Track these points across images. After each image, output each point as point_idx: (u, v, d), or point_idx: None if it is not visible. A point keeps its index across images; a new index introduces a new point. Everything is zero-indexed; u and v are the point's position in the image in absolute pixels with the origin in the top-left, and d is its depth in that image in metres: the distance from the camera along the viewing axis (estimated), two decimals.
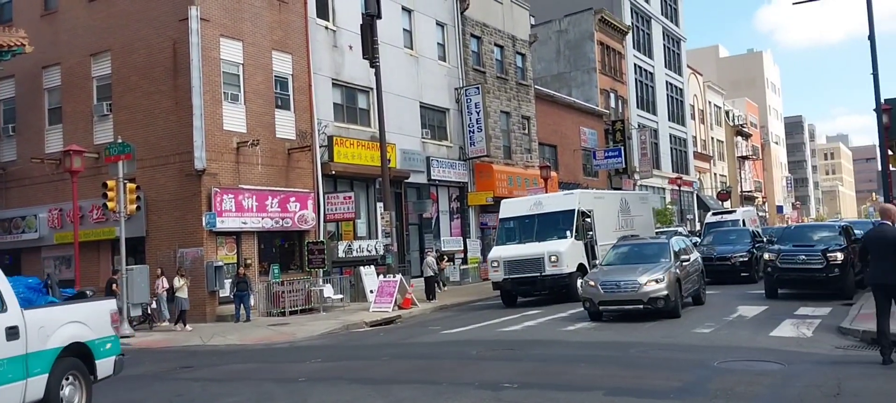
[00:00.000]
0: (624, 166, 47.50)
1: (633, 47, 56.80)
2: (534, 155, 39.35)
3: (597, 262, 18.69)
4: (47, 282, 10.39)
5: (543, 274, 21.04)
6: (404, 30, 31.47)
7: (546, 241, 21.71)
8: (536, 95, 40.82)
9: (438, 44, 33.66)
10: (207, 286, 21.57)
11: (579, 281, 20.66)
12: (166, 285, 21.21)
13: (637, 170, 52.00)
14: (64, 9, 25.51)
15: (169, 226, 22.48)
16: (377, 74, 24.44)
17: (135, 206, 20.10)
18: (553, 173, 37.06)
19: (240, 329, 19.74)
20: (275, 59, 24.97)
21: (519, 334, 15.60)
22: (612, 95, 51.78)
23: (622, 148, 47.28)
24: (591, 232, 23.09)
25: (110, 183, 19.72)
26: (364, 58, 24.81)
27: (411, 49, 31.76)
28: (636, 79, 56.83)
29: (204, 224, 21.76)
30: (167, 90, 22.83)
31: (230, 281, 21.85)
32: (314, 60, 26.39)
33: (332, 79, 27.40)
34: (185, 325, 19.99)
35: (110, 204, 19.65)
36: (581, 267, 21.57)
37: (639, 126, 54.47)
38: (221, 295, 21.97)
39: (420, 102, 31.82)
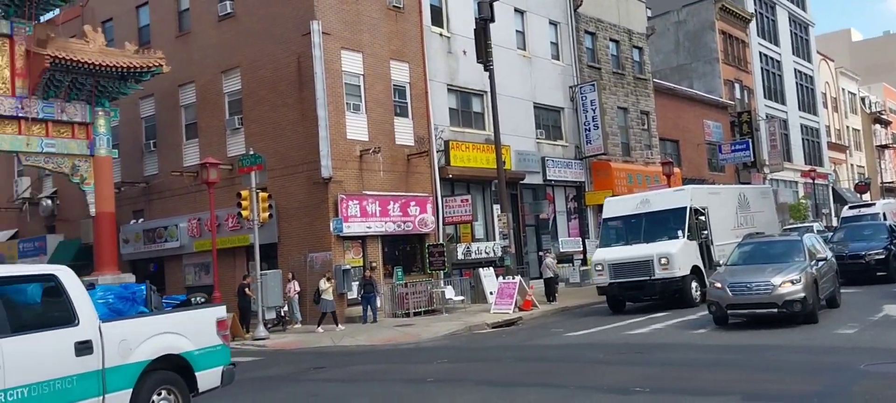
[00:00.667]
0: (752, 159, 45.45)
1: (758, 35, 54.30)
2: (654, 151, 38.37)
3: (721, 263, 17.73)
4: (147, 290, 9.92)
5: (653, 277, 19.72)
6: (517, 31, 31.47)
7: (655, 242, 20.38)
8: (655, 89, 39.78)
9: (552, 43, 33.44)
10: (336, 288, 22.38)
11: (694, 284, 19.92)
12: (298, 288, 22.21)
13: (766, 163, 49.67)
14: (196, 29, 27.15)
15: (299, 232, 23.50)
16: (491, 78, 24.57)
17: (267, 214, 21.11)
18: (676, 169, 36.00)
19: (367, 330, 20.37)
20: (393, 68, 25.62)
21: (645, 337, 15.29)
22: (736, 86, 49.72)
23: (750, 140, 45.25)
24: (705, 232, 21.44)
25: (244, 193, 20.79)
26: (478, 62, 25.01)
27: (524, 50, 31.72)
28: (762, 68, 54.31)
29: (331, 229, 22.64)
30: (293, 102, 23.86)
31: (357, 283, 22.59)
32: (430, 67, 26.87)
33: (448, 84, 27.80)
34: (337, 324, 20.77)
35: (244, 213, 20.73)
36: (695, 269, 20.32)
37: (767, 117, 52.03)
38: (349, 298, 22.74)
39: (534, 103, 31.72)
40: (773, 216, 27.70)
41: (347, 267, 22.79)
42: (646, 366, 11.67)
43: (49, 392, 7.20)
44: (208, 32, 26.68)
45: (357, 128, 24.13)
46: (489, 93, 25.38)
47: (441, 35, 27.87)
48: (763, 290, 14.74)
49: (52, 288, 7.72)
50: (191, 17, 27.42)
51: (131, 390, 7.94)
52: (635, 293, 20.41)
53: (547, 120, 32.69)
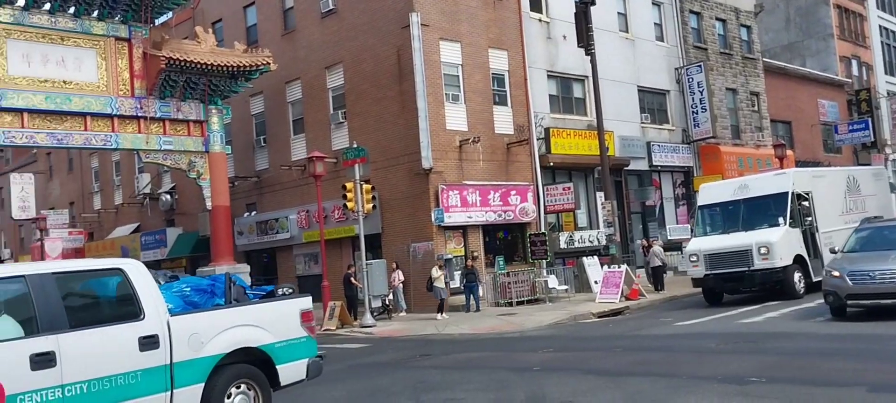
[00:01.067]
0: (872, 140, 42.79)
1: (877, 7, 51.01)
2: (765, 133, 36.75)
3: (836, 250, 16.54)
4: (229, 281, 9.43)
5: (752, 268, 18.35)
6: (619, 13, 30.76)
7: (755, 230, 18.99)
8: (765, 68, 38.06)
9: (655, 24, 32.53)
10: (447, 276, 22.61)
11: (797, 275, 18.64)
12: (402, 278, 22.59)
13: (888, 142, 46.69)
14: (301, 27, 27.93)
15: (401, 223, 23.88)
16: (592, 62, 24.16)
17: (371, 205, 21.53)
18: (788, 151, 34.32)
19: (470, 318, 20.47)
20: (491, 56, 25.57)
21: (759, 326, 14.70)
22: (853, 62, 46.92)
23: (869, 119, 42.59)
24: (809, 218, 19.82)
25: (349, 185, 21.26)
26: (579, 46, 24.65)
27: (627, 32, 30.97)
28: (882, 43, 51.00)
29: (433, 219, 22.87)
30: (394, 95, 24.21)
31: (459, 272, 22.75)
32: (529, 54, 26.65)
33: (547, 70, 27.50)
34: (442, 313, 20.99)
35: (350, 205, 21.20)
36: (798, 259, 18.83)
37: (888, 94, 48.87)
38: (452, 287, 22.92)
39: (638, 86, 30.96)
40: (889, 199, 25.56)
41: (449, 256, 22.97)
42: (762, 356, 11.20)
43: (110, 387, 7.13)
44: (312, 29, 27.40)
45: (456, 118, 24.24)
46: (591, 78, 24.99)
47: (540, 20, 27.58)
48: (889, 279, 13.74)
49: (119, 282, 7.68)
50: (295, 15, 28.24)
51: (203, 384, 7.75)
52: (733, 284, 19.12)
53: (652, 103, 31.85)
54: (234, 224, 27.99)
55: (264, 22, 29.52)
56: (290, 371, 8.57)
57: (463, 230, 23.88)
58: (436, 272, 21.24)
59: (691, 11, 34.03)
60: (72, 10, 22.33)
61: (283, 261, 28.65)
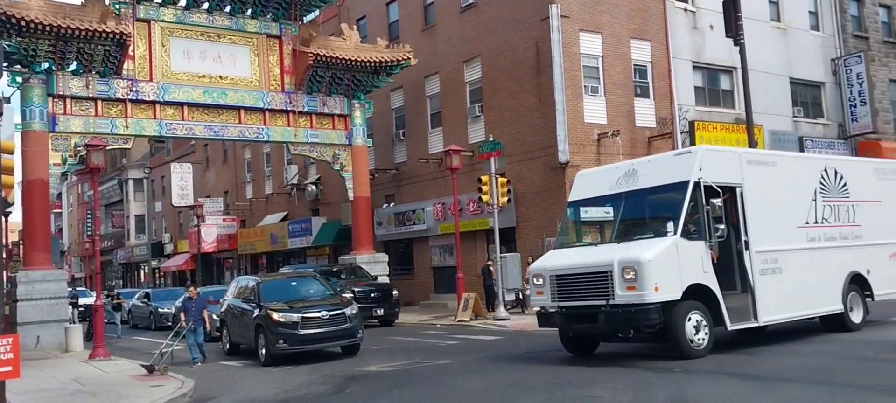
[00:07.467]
0: None
1: None
2: None
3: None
4: None
5: (612, 302, 11.62)
6: (771, 2, 29.15)
7: (628, 242, 12.30)
8: None
9: (810, 12, 30.55)
10: None
11: (694, 317, 11.69)
12: None
13: None
14: (440, 23, 28.34)
15: (536, 217, 23.76)
16: (742, 52, 22.85)
17: (506, 199, 21.58)
18: None
19: None
20: (633, 47, 24.95)
21: None
22: None
23: None
24: (722, 227, 11.98)
25: (484, 178, 21.41)
26: (727, 36, 23.36)
27: (779, 21, 29.27)
28: None
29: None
30: (531, 88, 24.10)
31: None
32: (673, 44, 25.79)
33: (693, 61, 26.52)
34: None
35: (485, 198, 21.36)
36: (694, 291, 11.73)
37: None
38: None
39: (790, 78, 29.21)
40: None
41: None
42: None
43: None
44: (451, 24, 27.74)
45: (595, 111, 23.82)
46: (739, 70, 23.75)
47: (686, 10, 26.61)
48: None
49: None
50: (436, 10, 28.68)
51: None
52: (585, 326, 12.36)
53: (805, 96, 29.98)
54: (373, 214, 28.81)
55: (405, 18, 30.16)
56: None
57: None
58: None
59: None
60: (227, 8, 23.74)
61: (419, 252, 29.25)
